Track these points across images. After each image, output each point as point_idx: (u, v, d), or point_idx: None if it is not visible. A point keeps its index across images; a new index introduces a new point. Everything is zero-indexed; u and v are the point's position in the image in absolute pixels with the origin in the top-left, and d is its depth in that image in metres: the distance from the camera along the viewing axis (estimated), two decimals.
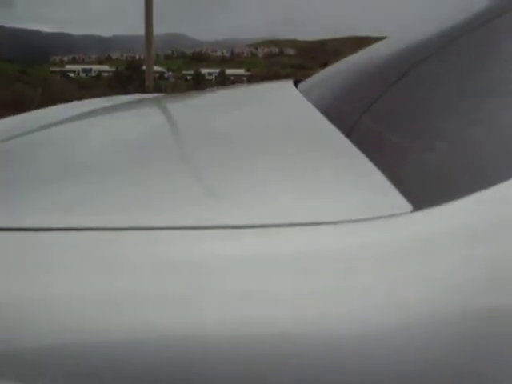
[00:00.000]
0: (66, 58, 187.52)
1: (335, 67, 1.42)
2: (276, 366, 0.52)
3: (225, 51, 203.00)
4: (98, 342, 0.51)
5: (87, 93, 12.62)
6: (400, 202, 0.60)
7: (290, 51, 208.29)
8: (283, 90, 1.35)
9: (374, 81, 0.95)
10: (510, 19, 0.84)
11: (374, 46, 1.37)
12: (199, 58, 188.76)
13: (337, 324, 0.51)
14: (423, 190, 0.63)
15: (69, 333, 0.52)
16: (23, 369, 0.52)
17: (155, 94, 2.18)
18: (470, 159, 0.66)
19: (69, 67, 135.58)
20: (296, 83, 1.40)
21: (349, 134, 0.80)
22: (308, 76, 1.50)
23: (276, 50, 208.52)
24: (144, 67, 15.40)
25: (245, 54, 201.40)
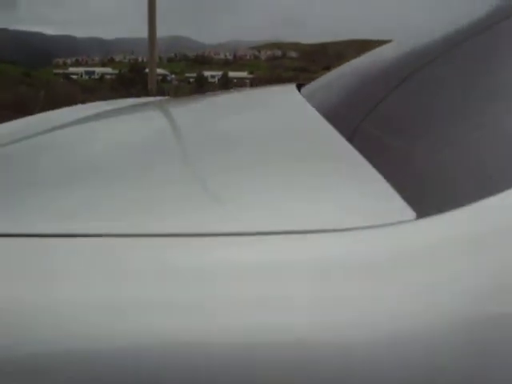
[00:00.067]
0: (69, 61, 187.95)
1: (338, 71, 1.41)
2: (287, 373, 0.52)
3: (228, 54, 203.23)
4: (102, 348, 0.51)
5: (90, 95, 12.65)
6: (404, 210, 0.60)
7: (293, 54, 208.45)
8: (286, 95, 1.34)
9: (376, 86, 0.94)
10: None
11: (376, 50, 1.36)
12: (202, 60, 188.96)
13: (347, 331, 0.51)
14: (427, 196, 0.63)
15: (73, 339, 0.52)
16: (26, 375, 0.52)
17: (158, 98, 2.18)
18: (475, 165, 0.66)
19: (72, 69, 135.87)
20: (299, 87, 1.39)
21: (352, 139, 0.80)
22: (310, 79, 1.53)
23: (279, 52, 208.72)
24: (147, 70, 15.42)
25: (247, 57, 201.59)
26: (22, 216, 0.66)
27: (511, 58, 0.79)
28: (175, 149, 0.92)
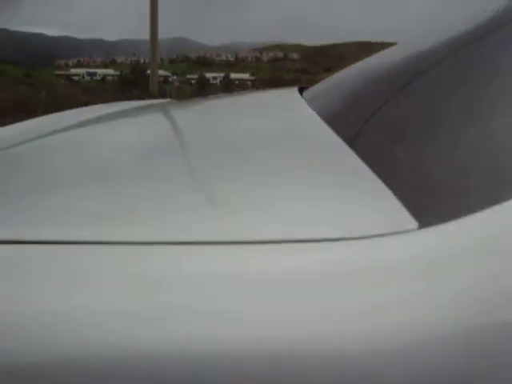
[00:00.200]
0: (70, 62, 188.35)
1: (340, 75, 1.39)
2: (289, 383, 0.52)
3: (229, 55, 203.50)
4: (119, 355, 0.52)
5: (92, 96, 12.63)
6: (406, 219, 0.60)
7: (295, 56, 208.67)
8: (288, 99, 1.32)
9: (379, 91, 0.93)
10: None
11: (379, 54, 1.34)
12: (204, 62, 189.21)
13: (347, 340, 0.51)
14: (430, 206, 0.62)
15: (90, 346, 0.52)
16: (42, 380, 0.52)
17: (161, 100, 2.15)
18: (479, 175, 0.65)
19: (73, 71, 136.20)
20: (301, 90, 1.37)
21: (354, 145, 0.79)
22: (312, 80, 1.56)
23: (281, 54, 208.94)
24: (148, 71, 15.42)
25: (249, 59, 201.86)
26: (37, 222, 0.66)
27: None
28: (179, 154, 0.91)
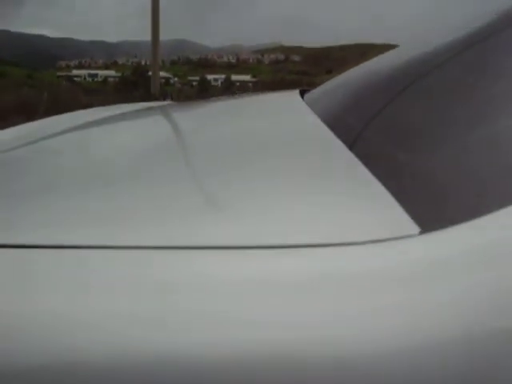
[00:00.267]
0: (72, 63, 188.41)
1: (342, 78, 1.39)
2: None
3: (231, 57, 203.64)
4: (120, 358, 0.52)
5: (93, 98, 12.67)
6: (407, 224, 0.60)
7: (296, 58, 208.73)
8: (289, 102, 1.31)
9: (380, 95, 0.92)
10: None
11: (381, 57, 1.34)
12: (205, 63, 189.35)
13: (346, 345, 0.51)
14: (432, 210, 0.62)
15: (90, 348, 0.52)
16: (42, 382, 0.52)
17: (162, 102, 2.17)
18: (481, 180, 0.65)
19: (75, 72, 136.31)
20: (302, 93, 1.37)
21: (355, 149, 0.79)
22: (313, 82, 1.55)
23: (282, 56, 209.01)
24: (150, 73, 15.45)
25: (250, 61, 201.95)
26: (37, 225, 0.66)
27: None
28: (180, 158, 0.91)
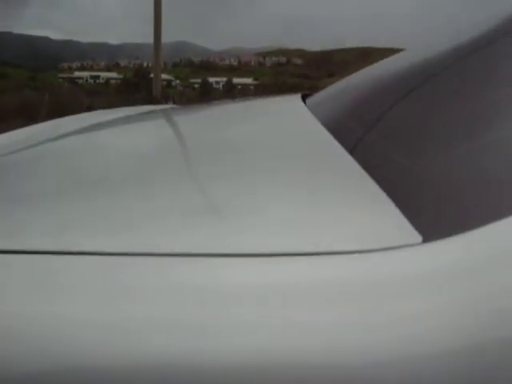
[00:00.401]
0: (74, 65, 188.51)
1: (344, 83, 1.38)
2: None
3: (232, 60, 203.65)
4: (102, 366, 0.51)
5: (95, 99, 12.68)
6: (410, 233, 0.59)
7: (298, 61, 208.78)
8: (291, 107, 1.30)
9: (382, 100, 0.91)
10: None
11: (383, 62, 1.33)
12: (207, 66, 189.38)
13: (348, 355, 0.51)
14: (434, 220, 0.62)
15: (74, 357, 0.51)
16: None
17: (164, 105, 2.17)
18: (484, 188, 0.64)
19: (77, 74, 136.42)
20: (304, 97, 1.36)
21: (357, 156, 0.78)
22: (315, 86, 1.55)
23: (284, 59, 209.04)
24: (152, 75, 15.46)
25: (252, 63, 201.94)
26: (22, 231, 0.66)
27: None
28: (180, 162, 0.91)
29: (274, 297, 0.54)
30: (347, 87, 1.27)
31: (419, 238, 0.58)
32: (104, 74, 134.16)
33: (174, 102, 11.35)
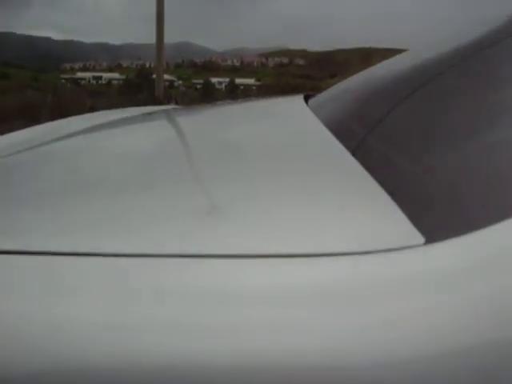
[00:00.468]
0: (76, 66, 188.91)
1: (346, 84, 1.38)
2: None
3: (235, 60, 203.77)
4: (105, 367, 0.51)
5: (98, 100, 12.68)
6: (412, 234, 0.59)
7: (300, 61, 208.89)
8: (293, 108, 1.31)
9: (385, 101, 0.91)
10: None
11: (385, 63, 1.33)
12: (209, 67, 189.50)
13: (351, 355, 0.51)
14: (437, 221, 0.62)
15: (79, 358, 0.52)
16: None
17: (166, 106, 2.16)
18: (486, 190, 0.64)
19: (79, 74, 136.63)
20: (306, 98, 1.36)
21: (360, 157, 0.78)
22: (317, 86, 1.54)
23: (286, 60, 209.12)
24: (154, 75, 15.47)
25: (255, 64, 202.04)
26: (28, 232, 0.66)
27: None
28: (182, 163, 0.91)
29: (275, 297, 0.54)
30: (349, 88, 1.27)
31: (421, 239, 0.58)
32: (106, 75, 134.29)
33: (177, 103, 11.34)
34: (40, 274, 0.58)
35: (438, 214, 0.64)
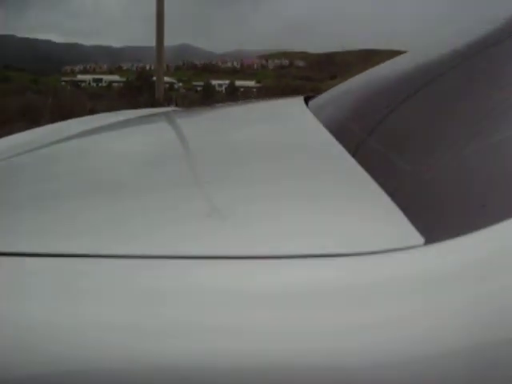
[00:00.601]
0: (77, 68, 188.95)
1: (346, 85, 1.38)
2: None
3: (235, 63, 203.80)
4: (122, 368, 0.51)
5: (98, 102, 12.70)
6: (412, 235, 0.59)
7: (300, 63, 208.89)
8: (294, 110, 1.31)
9: (385, 102, 0.91)
10: None
11: (385, 64, 1.34)
12: (209, 69, 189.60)
13: (347, 356, 0.51)
14: (436, 221, 0.62)
15: (92, 359, 0.52)
16: None
17: (166, 108, 2.16)
18: (486, 190, 0.64)
19: (80, 77, 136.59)
20: (306, 99, 1.37)
21: (360, 158, 0.78)
22: (318, 88, 1.55)
23: (286, 61, 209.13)
24: (154, 78, 15.48)
25: (255, 66, 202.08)
26: (38, 234, 0.66)
27: None
28: (183, 165, 0.91)
29: (276, 298, 0.54)
30: (349, 89, 1.27)
31: (421, 240, 0.58)
32: (107, 77, 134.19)
33: (177, 105, 11.36)
34: (40, 276, 0.58)
35: (437, 214, 0.63)
